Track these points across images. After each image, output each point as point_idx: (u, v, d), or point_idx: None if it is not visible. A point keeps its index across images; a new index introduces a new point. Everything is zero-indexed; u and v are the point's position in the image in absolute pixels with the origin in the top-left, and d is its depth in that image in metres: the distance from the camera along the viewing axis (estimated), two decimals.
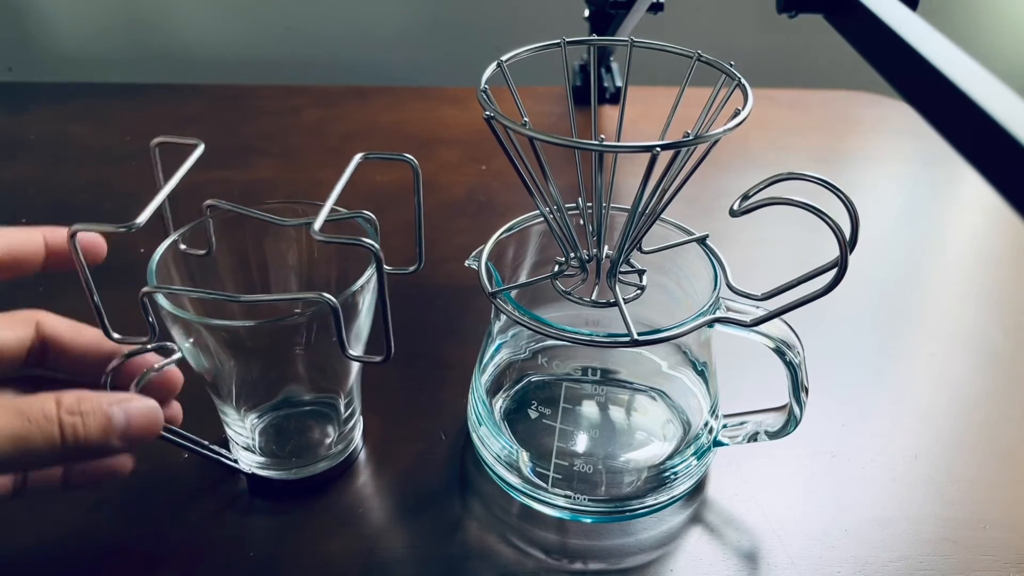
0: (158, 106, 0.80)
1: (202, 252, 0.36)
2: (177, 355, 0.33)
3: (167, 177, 0.33)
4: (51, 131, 0.74)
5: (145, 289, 0.30)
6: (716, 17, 0.96)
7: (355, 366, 0.37)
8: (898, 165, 0.72)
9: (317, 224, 0.30)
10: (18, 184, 0.65)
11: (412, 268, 0.37)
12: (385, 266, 0.34)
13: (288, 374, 0.38)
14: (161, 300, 0.31)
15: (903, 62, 0.25)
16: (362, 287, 0.33)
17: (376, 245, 0.29)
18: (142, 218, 0.29)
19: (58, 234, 0.33)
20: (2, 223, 0.59)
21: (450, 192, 0.65)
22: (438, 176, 0.67)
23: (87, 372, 0.34)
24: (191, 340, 0.33)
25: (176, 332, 0.33)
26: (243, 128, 0.75)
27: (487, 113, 0.28)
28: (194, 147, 0.35)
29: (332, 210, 0.36)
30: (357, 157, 0.34)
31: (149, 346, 0.32)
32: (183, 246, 0.35)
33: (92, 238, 0.32)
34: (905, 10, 0.27)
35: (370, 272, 0.34)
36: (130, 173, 0.64)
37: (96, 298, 0.30)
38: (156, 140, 0.35)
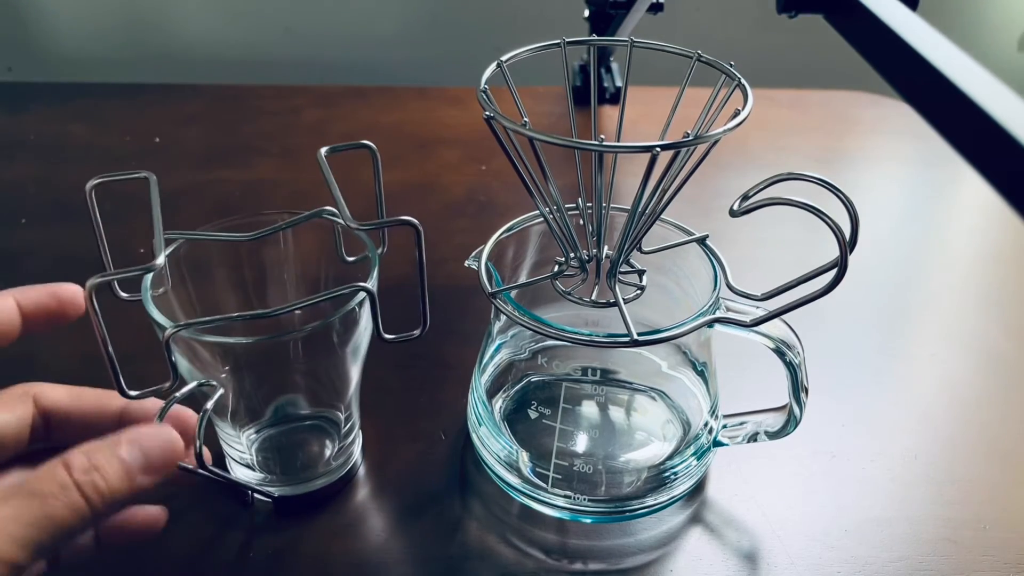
0: (158, 106, 0.79)
1: (160, 290, 0.34)
2: (220, 391, 0.31)
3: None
4: (51, 131, 0.74)
5: (169, 331, 0.29)
6: (716, 17, 0.96)
7: (355, 379, 0.37)
8: (898, 165, 0.72)
9: (346, 214, 0.30)
10: (18, 184, 0.65)
11: (380, 250, 0.37)
12: (348, 257, 0.36)
13: (289, 388, 0.37)
14: (186, 334, 0.30)
15: (903, 62, 0.25)
16: (375, 276, 0.34)
17: (416, 221, 0.29)
18: (160, 259, 0.29)
19: (31, 295, 0.30)
20: (2, 223, 0.59)
21: (450, 192, 0.65)
22: (438, 176, 0.67)
23: (95, 437, 0.32)
24: (199, 368, 0.32)
25: (196, 362, 0.31)
26: (243, 128, 0.75)
27: (487, 113, 0.28)
28: (146, 180, 0.33)
29: (292, 213, 0.37)
30: (323, 151, 0.34)
31: (178, 394, 0.30)
32: (124, 295, 0.33)
33: (73, 292, 0.31)
34: (905, 10, 0.27)
35: (376, 260, 0.35)
36: (113, 185, 0.64)
37: (110, 349, 0.28)
38: (92, 182, 0.33)
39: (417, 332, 0.33)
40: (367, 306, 0.34)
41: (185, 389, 0.30)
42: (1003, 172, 0.20)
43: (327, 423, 0.39)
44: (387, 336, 0.32)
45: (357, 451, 0.40)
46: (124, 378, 0.29)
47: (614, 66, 0.84)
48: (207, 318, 0.30)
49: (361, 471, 0.40)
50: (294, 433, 0.39)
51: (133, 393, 0.30)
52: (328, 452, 0.39)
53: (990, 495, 0.40)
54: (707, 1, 0.95)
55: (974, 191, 0.67)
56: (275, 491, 0.37)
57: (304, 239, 0.38)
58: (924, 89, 0.24)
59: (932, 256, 0.61)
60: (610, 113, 0.78)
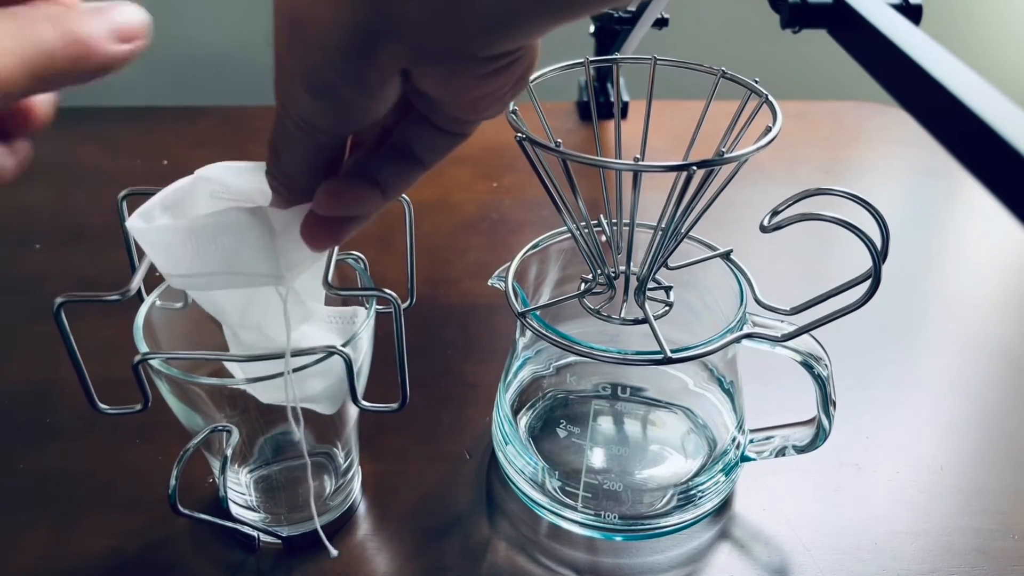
0: (167, 128, 0.80)
1: (178, 305, 0.34)
2: (236, 435, 0.31)
3: None
4: (62, 156, 0.74)
5: (138, 357, 0.29)
6: (718, 29, 0.97)
7: (352, 416, 0.36)
8: (907, 174, 0.72)
9: (328, 276, 0.30)
10: (31, 209, 0.65)
11: (404, 305, 0.35)
12: (377, 307, 0.33)
13: (286, 428, 0.35)
14: (158, 364, 0.30)
15: (907, 76, 0.25)
16: (363, 330, 0.32)
17: (394, 294, 0.29)
18: (134, 284, 0.29)
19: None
20: (19, 248, 0.59)
21: (462, 210, 0.65)
22: (450, 195, 0.67)
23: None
24: (185, 401, 0.32)
25: (172, 395, 0.31)
26: (253, 149, 0.76)
27: (519, 136, 0.29)
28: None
29: None
30: None
31: (196, 440, 0.30)
32: (158, 302, 0.34)
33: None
34: (908, 25, 0.28)
35: (371, 315, 0.33)
36: (143, 197, 0.64)
37: (81, 362, 0.29)
38: (124, 192, 0.33)
39: (395, 406, 0.32)
40: (366, 338, 0.33)
41: (201, 435, 0.29)
42: (1004, 182, 0.20)
43: (326, 459, 0.38)
44: (363, 404, 0.32)
45: (357, 487, 0.39)
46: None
47: (620, 81, 0.84)
48: (177, 352, 0.31)
49: (378, 496, 0.40)
50: (291, 472, 0.38)
51: (105, 407, 0.30)
52: (327, 490, 0.38)
53: (1017, 505, 0.40)
54: (708, 14, 0.96)
55: (987, 199, 0.67)
56: (284, 531, 0.36)
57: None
58: (927, 102, 0.24)
59: (947, 265, 0.61)
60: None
